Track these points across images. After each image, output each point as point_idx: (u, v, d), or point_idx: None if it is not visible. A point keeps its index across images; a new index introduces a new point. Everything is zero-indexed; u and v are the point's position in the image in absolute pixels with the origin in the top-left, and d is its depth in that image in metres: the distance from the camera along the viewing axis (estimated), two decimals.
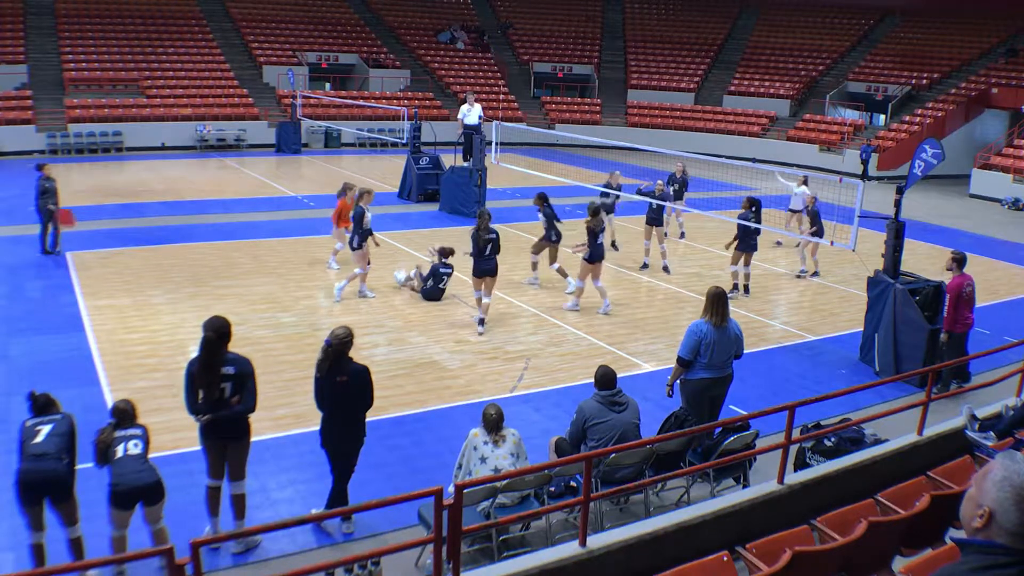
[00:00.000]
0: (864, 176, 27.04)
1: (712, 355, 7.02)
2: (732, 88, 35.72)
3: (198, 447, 7.43)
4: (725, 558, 4.49)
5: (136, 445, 5.64)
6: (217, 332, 5.90)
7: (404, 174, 20.76)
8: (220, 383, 5.89)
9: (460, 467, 6.10)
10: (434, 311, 11.83)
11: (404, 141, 22.28)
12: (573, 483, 6.23)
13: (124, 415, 5.87)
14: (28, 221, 16.31)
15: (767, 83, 35.26)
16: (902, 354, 9.90)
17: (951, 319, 9.26)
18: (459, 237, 15.75)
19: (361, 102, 30.21)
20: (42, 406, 5.92)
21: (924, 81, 32.67)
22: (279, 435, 7.82)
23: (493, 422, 6.06)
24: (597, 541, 5.02)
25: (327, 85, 34.49)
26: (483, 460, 5.97)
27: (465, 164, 19.17)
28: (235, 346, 9.74)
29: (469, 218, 17.85)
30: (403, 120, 23.91)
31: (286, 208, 18.86)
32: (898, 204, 10.04)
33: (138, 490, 5.42)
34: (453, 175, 18.93)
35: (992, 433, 6.30)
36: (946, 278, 9.67)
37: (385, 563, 5.32)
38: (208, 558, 5.80)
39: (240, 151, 28.09)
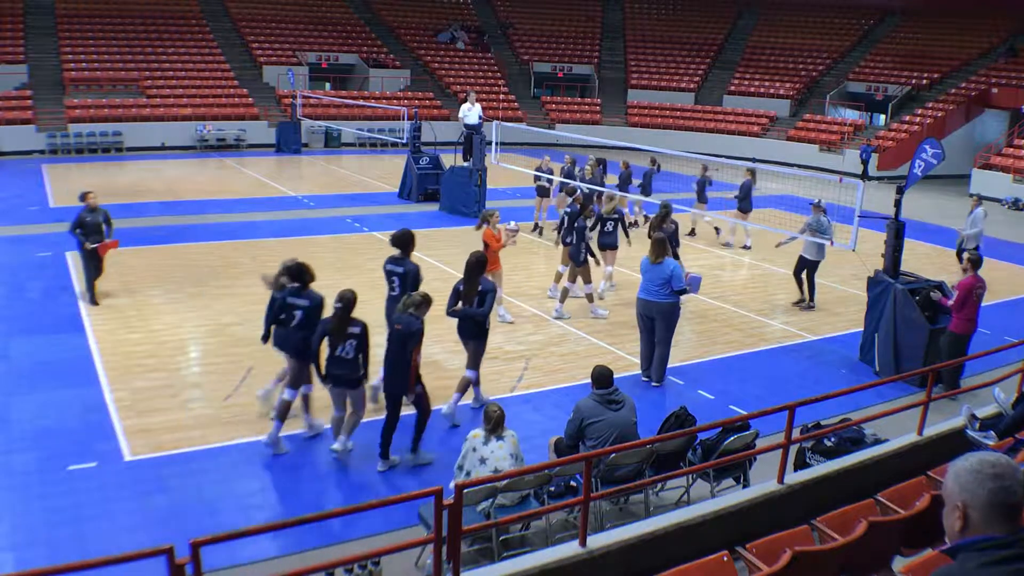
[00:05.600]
0: (864, 176, 27.04)
1: (645, 280, 9.27)
2: (732, 88, 35.72)
3: (198, 447, 7.49)
4: (725, 558, 4.49)
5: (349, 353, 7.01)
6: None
7: (404, 174, 20.76)
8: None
9: (461, 468, 6.10)
10: (433, 311, 11.79)
11: (404, 141, 22.29)
12: (573, 483, 6.23)
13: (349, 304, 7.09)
14: (28, 221, 16.33)
15: (767, 83, 35.27)
16: (902, 354, 9.89)
17: (956, 318, 9.25)
18: (458, 237, 15.77)
19: (361, 102, 30.21)
20: (295, 275, 7.43)
21: (924, 81, 32.67)
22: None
23: (494, 422, 6.07)
24: (597, 541, 5.02)
25: (327, 85, 34.48)
26: (483, 461, 5.98)
27: (465, 164, 19.17)
28: (235, 347, 9.76)
29: (469, 218, 17.87)
30: (403, 120, 23.91)
31: (286, 208, 18.85)
32: (898, 204, 10.04)
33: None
34: (453, 175, 18.93)
35: (992, 433, 6.30)
36: (958, 278, 9.62)
37: (385, 563, 5.32)
38: (209, 557, 5.82)
39: (240, 151, 28.08)
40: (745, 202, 16.27)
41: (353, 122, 30.15)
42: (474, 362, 8.36)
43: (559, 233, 12.56)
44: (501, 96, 33.63)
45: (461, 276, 8.42)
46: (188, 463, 7.21)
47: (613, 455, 6.07)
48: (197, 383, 9.02)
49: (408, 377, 7.17)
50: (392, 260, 8.70)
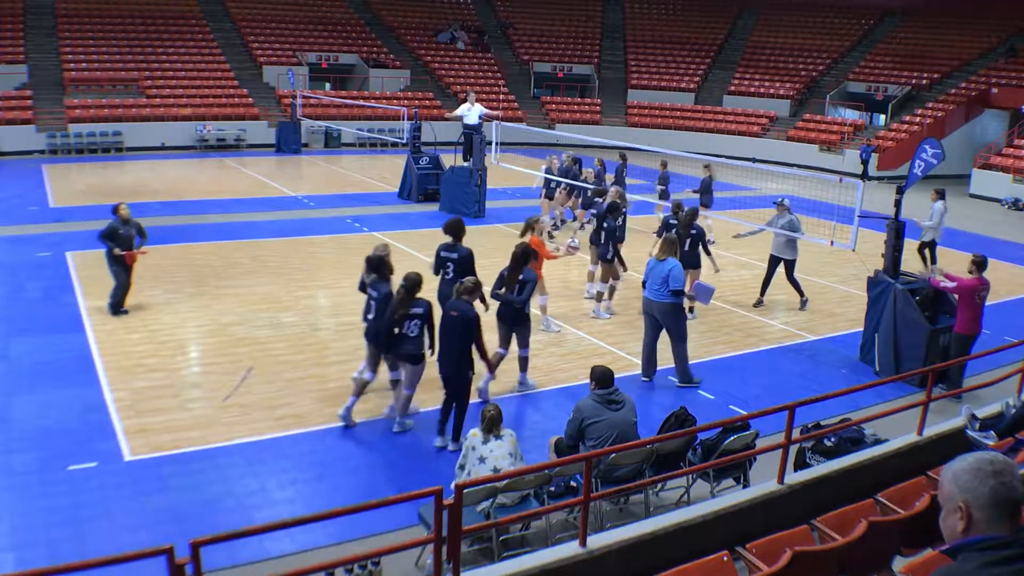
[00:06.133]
0: (864, 176, 27.04)
1: (649, 279, 9.36)
2: (732, 88, 35.72)
3: (198, 447, 7.49)
4: (725, 558, 4.49)
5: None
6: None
7: (404, 174, 20.75)
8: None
9: (462, 468, 6.11)
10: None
11: (404, 141, 22.28)
12: (573, 483, 6.23)
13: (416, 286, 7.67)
14: (28, 221, 16.34)
15: (767, 83, 35.26)
16: (902, 354, 9.89)
17: (961, 319, 9.24)
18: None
19: (361, 102, 30.21)
20: (374, 267, 8.07)
21: (924, 81, 32.67)
22: (279, 435, 7.82)
23: (487, 421, 6.08)
24: (597, 541, 5.02)
25: (327, 85, 34.48)
26: (482, 460, 5.98)
27: (465, 164, 19.17)
28: (235, 347, 9.79)
29: (469, 218, 17.85)
30: (403, 120, 23.91)
31: (286, 208, 18.85)
32: (898, 204, 10.04)
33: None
34: (453, 175, 18.92)
35: (993, 433, 6.30)
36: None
37: (385, 563, 5.32)
38: (209, 557, 5.84)
39: (240, 151, 28.08)
40: (706, 196, 16.58)
41: (353, 122, 30.15)
42: (524, 340, 8.98)
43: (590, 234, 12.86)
44: (501, 96, 33.63)
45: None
46: (188, 463, 7.20)
47: (613, 455, 6.07)
48: (197, 383, 9.02)
49: (464, 360, 7.57)
50: (446, 247, 9.36)
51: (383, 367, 8.32)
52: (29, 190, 19.70)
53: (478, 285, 7.88)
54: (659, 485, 6.69)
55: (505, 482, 5.64)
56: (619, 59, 38.27)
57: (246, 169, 24.52)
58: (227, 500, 6.69)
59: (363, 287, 8.36)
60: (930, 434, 6.68)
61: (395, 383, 8.16)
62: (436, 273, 9.41)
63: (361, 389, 8.13)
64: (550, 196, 17.14)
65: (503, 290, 8.79)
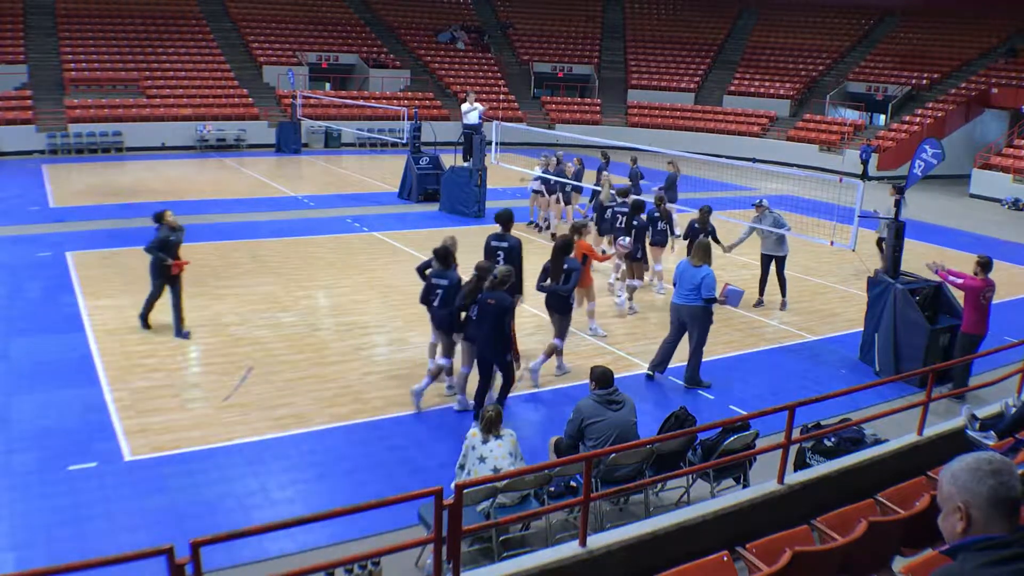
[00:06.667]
0: (864, 176, 27.04)
1: (679, 283, 9.31)
2: (732, 88, 35.71)
3: (198, 447, 7.49)
4: (725, 558, 4.49)
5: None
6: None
7: (404, 174, 20.75)
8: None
9: (462, 467, 6.11)
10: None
11: (404, 141, 22.28)
12: (573, 483, 6.23)
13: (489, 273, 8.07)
14: (28, 221, 16.33)
15: (767, 83, 35.26)
16: (902, 354, 9.89)
17: (968, 319, 9.25)
18: (459, 237, 15.76)
19: (361, 102, 30.20)
20: (441, 257, 8.47)
21: (924, 81, 32.67)
22: (279, 435, 7.82)
23: (486, 421, 6.09)
24: (597, 541, 5.02)
25: (327, 85, 34.47)
26: (482, 460, 5.99)
27: (465, 164, 19.17)
28: (235, 347, 9.78)
29: (469, 218, 17.89)
30: (403, 120, 23.91)
31: (286, 208, 18.85)
32: (898, 204, 10.05)
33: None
34: (453, 175, 18.92)
35: (993, 433, 6.30)
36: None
37: (385, 563, 5.32)
38: (209, 557, 5.84)
39: (240, 151, 28.07)
40: (671, 192, 16.65)
41: (353, 122, 30.13)
42: (561, 332, 9.32)
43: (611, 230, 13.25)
44: (501, 96, 33.63)
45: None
46: (188, 463, 7.21)
47: (613, 455, 6.07)
48: (197, 383, 9.02)
49: (500, 345, 7.94)
50: (496, 236, 9.77)
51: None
52: (29, 190, 19.70)
53: (511, 273, 8.20)
54: (659, 485, 6.70)
55: (505, 482, 5.64)
56: (619, 59, 38.27)
57: (246, 169, 24.51)
58: (227, 500, 6.70)
59: (423, 272, 8.84)
60: (930, 434, 6.68)
61: (441, 368, 8.80)
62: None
63: (437, 373, 8.61)
64: (568, 200, 17.20)
65: (548, 281, 9.14)
